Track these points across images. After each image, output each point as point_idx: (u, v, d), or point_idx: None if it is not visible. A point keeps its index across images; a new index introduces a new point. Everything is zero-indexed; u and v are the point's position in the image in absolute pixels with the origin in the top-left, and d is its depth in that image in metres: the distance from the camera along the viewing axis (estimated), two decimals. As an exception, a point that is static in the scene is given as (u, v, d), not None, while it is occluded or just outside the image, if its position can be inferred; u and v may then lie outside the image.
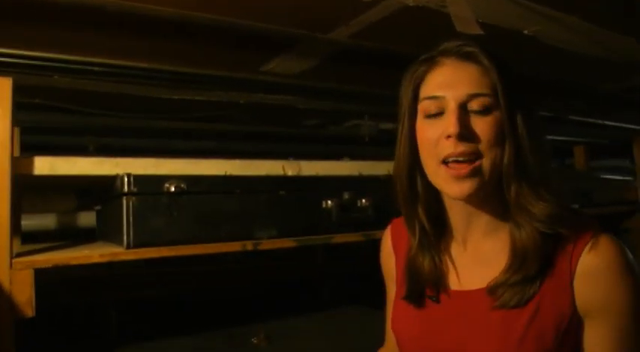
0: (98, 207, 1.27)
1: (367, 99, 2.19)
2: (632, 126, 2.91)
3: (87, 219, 1.80)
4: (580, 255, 0.69)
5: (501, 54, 0.73)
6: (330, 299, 1.93)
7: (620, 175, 2.98)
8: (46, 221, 1.71)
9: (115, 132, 2.20)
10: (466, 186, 0.69)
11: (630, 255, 0.70)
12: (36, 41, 1.36)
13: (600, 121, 2.84)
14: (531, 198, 0.70)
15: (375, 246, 1.73)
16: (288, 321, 1.51)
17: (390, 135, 2.80)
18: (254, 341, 1.30)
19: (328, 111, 2.42)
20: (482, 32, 1.12)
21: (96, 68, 1.54)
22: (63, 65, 1.48)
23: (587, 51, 1.71)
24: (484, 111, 0.69)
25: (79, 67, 1.51)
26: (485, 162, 0.69)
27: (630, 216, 2.47)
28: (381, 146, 2.90)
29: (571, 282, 0.69)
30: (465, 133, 0.68)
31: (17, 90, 1.58)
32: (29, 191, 1.41)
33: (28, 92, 1.57)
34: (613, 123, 2.89)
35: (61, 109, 1.93)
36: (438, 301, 0.78)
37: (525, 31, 1.44)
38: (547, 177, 0.72)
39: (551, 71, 2.04)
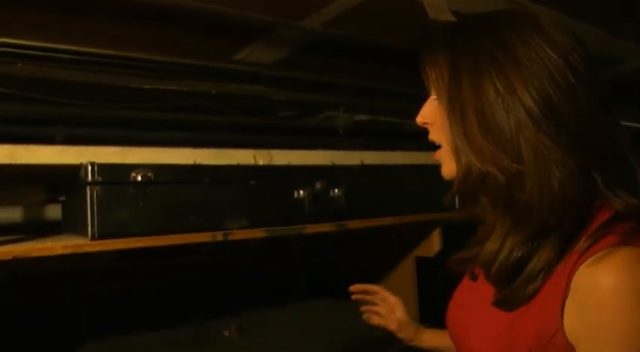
0: (63, 198, 1.23)
1: (343, 91, 2.17)
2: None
3: (55, 211, 1.75)
4: (578, 269, 0.59)
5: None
6: (305, 290, 1.92)
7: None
8: (13, 214, 1.66)
9: (83, 122, 2.15)
10: None
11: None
12: (2, 25, 1.32)
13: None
14: None
15: (351, 236, 1.72)
16: (260, 314, 1.50)
17: (364, 126, 2.79)
18: (226, 333, 1.28)
19: (303, 103, 2.40)
20: (454, 19, 1.12)
21: (64, 55, 1.50)
22: (28, 52, 1.43)
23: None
24: None
25: (45, 53, 1.46)
26: None
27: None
28: (355, 137, 2.90)
29: (563, 300, 0.59)
30: None
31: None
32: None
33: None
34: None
35: (25, 98, 1.87)
36: (474, 279, 0.76)
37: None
38: None
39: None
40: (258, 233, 1.12)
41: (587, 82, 0.62)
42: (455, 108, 0.67)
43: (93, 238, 0.94)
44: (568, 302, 0.59)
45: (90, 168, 0.94)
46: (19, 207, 1.67)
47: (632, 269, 0.55)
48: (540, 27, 0.65)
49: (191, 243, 2.01)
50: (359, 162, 1.35)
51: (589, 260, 0.58)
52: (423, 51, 0.73)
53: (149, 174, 0.99)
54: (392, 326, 1.08)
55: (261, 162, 1.17)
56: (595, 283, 0.56)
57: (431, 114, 0.73)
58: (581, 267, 0.58)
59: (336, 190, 1.24)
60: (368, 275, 1.76)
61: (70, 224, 1.19)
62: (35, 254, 0.91)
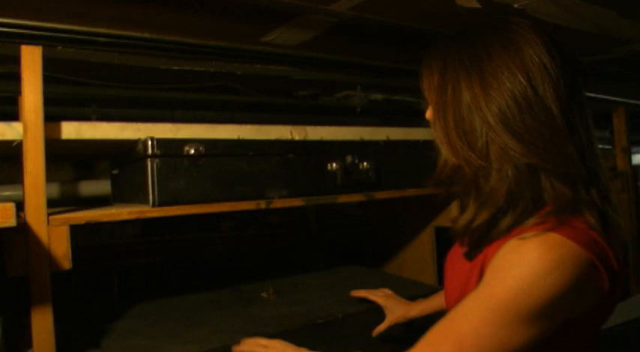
0: (115, 172, 1.34)
1: (360, 71, 2.25)
2: (612, 98, 3.02)
3: (88, 187, 1.87)
4: (509, 240, 0.71)
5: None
6: (328, 261, 2.03)
7: (600, 145, 3.11)
8: (50, 190, 1.76)
9: (113, 102, 2.25)
10: None
11: (545, 266, 0.66)
12: (43, 11, 1.40)
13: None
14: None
15: (373, 208, 1.81)
16: (291, 280, 1.61)
17: (379, 105, 2.87)
18: (263, 295, 1.39)
19: (321, 82, 2.49)
20: (480, 6, 1.20)
21: (101, 39, 1.58)
22: (67, 35, 1.51)
23: (571, 24, 1.80)
24: None
25: (82, 37, 1.54)
26: None
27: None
28: (370, 116, 2.99)
29: (490, 259, 0.72)
30: None
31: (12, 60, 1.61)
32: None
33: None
34: (594, 95, 2.99)
35: (61, 80, 1.97)
36: (460, 244, 0.89)
37: (515, 5, 1.52)
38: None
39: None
40: (297, 202, 1.22)
41: (549, 99, 0.73)
42: (439, 112, 0.81)
43: (154, 205, 1.05)
44: (491, 262, 0.72)
45: (150, 142, 1.04)
46: (55, 183, 1.78)
47: (542, 253, 0.66)
48: (514, 46, 0.76)
49: (213, 220, 2.13)
50: (385, 138, 1.44)
51: (519, 236, 0.70)
52: (422, 62, 0.86)
53: (200, 148, 1.09)
54: (380, 300, 1.26)
55: (297, 137, 1.27)
56: (510, 251, 0.69)
57: (431, 114, 0.87)
58: (512, 239, 0.70)
59: (365, 163, 1.34)
60: (390, 245, 1.87)
61: (123, 194, 1.29)
62: (104, 219, 1.02)
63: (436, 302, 1.21)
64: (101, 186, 1.82)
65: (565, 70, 0.76)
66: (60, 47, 1.54)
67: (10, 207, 0.80)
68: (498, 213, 0.75)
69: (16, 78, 1.81)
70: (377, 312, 1.22)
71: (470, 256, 0.80)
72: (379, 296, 1.29)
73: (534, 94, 0.73)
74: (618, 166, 2.63)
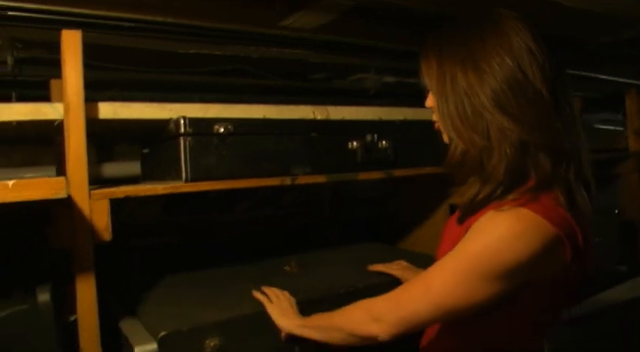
0: (145, 151, 1.40)
1: (375, 53, 2.28)
2: (626, 80, 3.04)
3: (110, 169, 1.93)
4: (490, 210, 0.82)
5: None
6: (344, 238, 2.09)
7: (612, 127, 3.14)
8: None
9: (134, 86, 2.31)
10: None
11: (512, 234, 0.77)
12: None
13: (594, 75, 2.96)
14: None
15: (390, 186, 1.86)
16: (312, 254, 1.67)
17: (392, 88, 2.91)
18: (286, 268, 1.46)
19: (335, 65, 2.52)
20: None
21: (125, 24, 1.63)
22: (88, 20, 1.56)
23: (580, 5, 1.82)
24: None
25: (110, 22, 1.59)
26: None
27: (620, 163, 2.64)
28: (383, 99, 3.03)
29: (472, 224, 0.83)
30: None
31: (45, 46, 1.66)
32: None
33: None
34: (607, 77, 3.01)
35: (85, 64, 2.02)
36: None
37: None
38: None
39: (550, 25, 2.15)
40: (320, 178, 1.28)
41: (537, 80, 0.82)
42: (442, 100, 0.89)
43: (186, 181, 1.11)
44: (471, 227, 0.82)
45: (182, 121, 1.10)
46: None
47: (511, 223, 0.77)
48: (503, 34, 0.84)
49: (230, 202, 2.18)
50: (402, 118, 1.49)
51: (497, 209, 0.80)
52: (420, 54, 0.94)
53: (229, 127, 1.15)
54: (397, 273, 1.33)
55: (319, 117, 1.32)
56: (485, 220, 0.80)
57: (431, 101, 0.95)
58: (490, 211, 0.81)
59: (384, 142, 1.39)
60: (405, 224, 1.93)
61: (153, 173, 1.35)
62: (141, 193, 1.09)
63: None
64: (124, 168, 1.89)
65: (549, 56, 0.84)
66: (91, 33, 1.60)
67: (62, 180, 0.87)
68: (498, 187, 0.83)
69: (44, 63, 1.87)
70: (398, 284, 1.29)
71: (461, 220, 0.90)
72: (395, 268, 1.36)
73: (524, 77, 0.81)
74: (630, 147, 2.66)
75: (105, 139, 1.91)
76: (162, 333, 1.01)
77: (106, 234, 1.04)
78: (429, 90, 0.94)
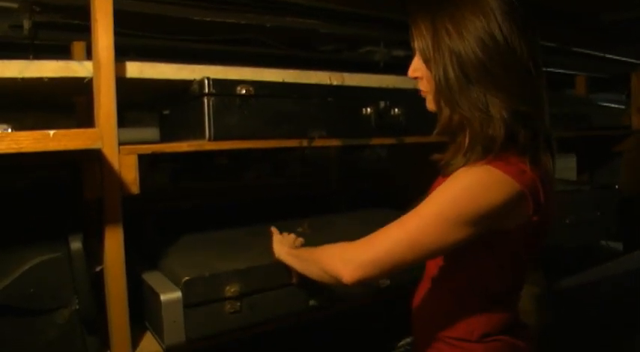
0: (166, 112, 1.44)
1: (385, 25, 2.30)
2: (632, 60, 3.06)
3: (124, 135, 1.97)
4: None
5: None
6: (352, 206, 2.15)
7: (616, 105, 3.18)
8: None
9: (147, 52, 2.33)
10: None
11: (482, 184, 0.85)
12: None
13: (601, 54, 2.98)
14: None
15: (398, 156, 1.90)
16: (324, 218, 1.73)
17: (400, 61, 2.93)
18: (299, 229, 1.51)
19: (345, 37, 2.54)
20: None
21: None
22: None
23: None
24: None
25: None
26: None
27: (623, 140, 2.68)
28: (392, 72, 3.05)
29: None
30: None
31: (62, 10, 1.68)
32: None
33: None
34: (613, 57, 3.03)
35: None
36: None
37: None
38: None
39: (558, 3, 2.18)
40: (335, 141, 1.33)
41: (521, 50, 0.86)
42: (436, 69, 0.91)
43: (210, 139, 1.16)
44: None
45: (207, 82, 1.15)
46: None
47: (479, 176, 0.85)
48: (485, 4, 0.88)
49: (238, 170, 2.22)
50: (412, 87, 1.53)
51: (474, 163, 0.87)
52: (411, 25, 0.97)
53: (250, 89, 1.20)
54: None
55: (334, 83, 1.37)
56: (461, 171, 0.88)
57: (418, 69, 0.99)
58: (465, 167, 0.88)
59: (396, 109, 1.43)
60: (412, 193, 1.97)
61: (174, 134, 1.40)
62: (168, 150, 1.14)
63: None
64: (136, 134, 1.93)
65: (527, 21, 0.89)
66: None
67: (98, 131, 0.92)
68: (484, 150, 0.88)
69: (60, 28, 1.89)
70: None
71: (444, 175, 0.96)
72: None
73: (511, 45, 0.86)
74: (633, 125, 2.70)
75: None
76: (186, 278, 1.07)
77: (134, 188, 1.09)
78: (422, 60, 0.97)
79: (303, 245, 1.25)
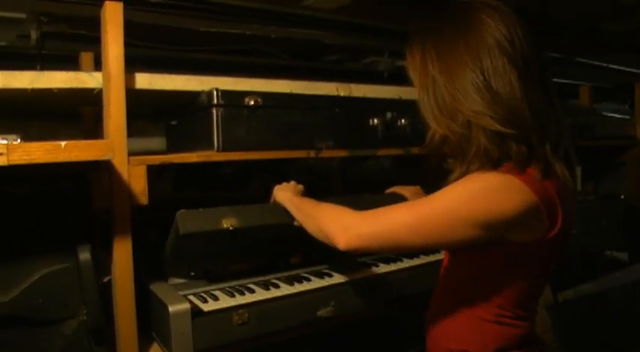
0: (173, 123, 1.45)
1: (390, 36, 2.31)
2: (635, 70, 3.06)
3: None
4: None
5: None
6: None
7: (620, 115, 3.18)
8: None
9: (153, 63, 2.34)
10: None
11: (499, 188, 0.84)
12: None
13: (604, 64, 2.98)
14: None
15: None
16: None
17: (404, 71, 2.93)
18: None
19: (349, 47, 2.55)
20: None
21: (151, -1, 1.65)
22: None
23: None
24: None
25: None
26: None
27: (627, 150, 2.69)
28: (395, 83, 3.06)
29: None
30: None
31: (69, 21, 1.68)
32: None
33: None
34: (617, 67, 3.03)
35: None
36: None
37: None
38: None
39: (561, 13, 2.18)
40: (342, 152, 1.33)
41: (507, 72, 0.87)
42: (423, 92, 0.95)
43: (218, 150, 1.16)
44: None
45: (215, 93, 1.15)
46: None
47: (494, 178, 0.85)
48: (474, 26, 0.89)
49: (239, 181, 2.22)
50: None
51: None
52: (406, 46, 0.99)
53: (258, 100, 1.20)
54: (407, 194, 1.43)
55: (342, 94, 1.37)
56: (477, 173, 0.87)
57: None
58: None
59: (403, 120, 1.44)
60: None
61: (181, 144, 1.40)
62: (176, 160, 1.14)
63: None
64: (142, 143, 1.94)
65: (526, 42, 0.89)
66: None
67: (109, 142, 0.92)
68: (480, 167, 0.89)
69: (67, 38, 1.89)
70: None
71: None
72: (407, 190, 1.46)
73: (494, 71, 0.87)
74: (637, 135, 2.70)
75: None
76: (182, 210, 1.09)
77: (143, 198, 1.10)
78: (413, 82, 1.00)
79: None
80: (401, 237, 0.87)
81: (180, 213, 1.09)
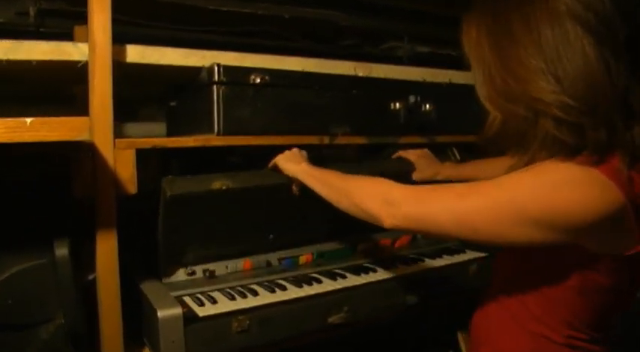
0: (172, 104, 1.31)
1: (411, 18, 2.16)
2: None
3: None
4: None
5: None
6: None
7: None
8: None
9: (160, 42, 2.21)
10: None
11: (571, 179, 0.69)
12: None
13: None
14: None
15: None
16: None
17: (425, 57, 2.78)
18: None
19: (367, 31, 2.40)
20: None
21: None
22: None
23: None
24: None
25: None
26: None
27: None
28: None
29: None
30: None
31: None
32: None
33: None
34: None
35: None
36: None
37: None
38: None
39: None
40: (360, 139, 1.19)
41: (584, 44, 0.70)
42: (479, 75, 0.81)
43: (218, 133, 1.02)
44: None
45: (216, 68, 1.01)
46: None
47: (574, 170, 0.68)
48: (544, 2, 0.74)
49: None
50: (446, 80, 1.38)
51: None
52: (462, 19, 0.86)
53: (266, 78, 1.06)
54: (412, 158, 1.34)
55: (360, 74, 1.22)
56: (549, 162, 0.72)
57: None
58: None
59: (428, 105, 1.29)
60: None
61: (180, 127, 1.27)
62: (170, 144, 1.00)
63: (466, 171, 1.29)
64: (151, 129, 1.81)
65: (609, 16, 0.71)
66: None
67: (86, 120, 0.79)
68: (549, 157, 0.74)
69: (66, 16, 1.77)
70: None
71: None
72: (412, 153, 1.35)
73: (567, 47, 0.72)
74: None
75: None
76: (168, 177, 1.01)
77: (131, 187, 0.96)
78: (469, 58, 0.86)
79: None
80: (442, 226, 0.75)
81: (167, 179, 1.00)
